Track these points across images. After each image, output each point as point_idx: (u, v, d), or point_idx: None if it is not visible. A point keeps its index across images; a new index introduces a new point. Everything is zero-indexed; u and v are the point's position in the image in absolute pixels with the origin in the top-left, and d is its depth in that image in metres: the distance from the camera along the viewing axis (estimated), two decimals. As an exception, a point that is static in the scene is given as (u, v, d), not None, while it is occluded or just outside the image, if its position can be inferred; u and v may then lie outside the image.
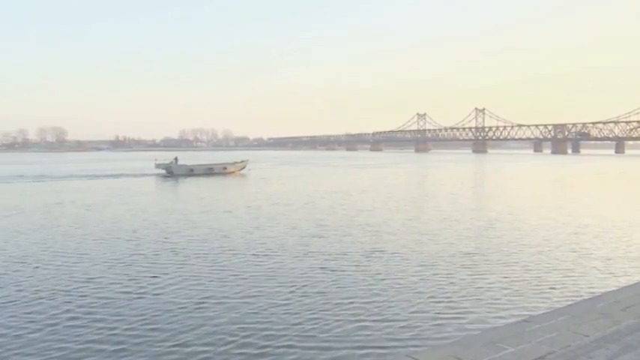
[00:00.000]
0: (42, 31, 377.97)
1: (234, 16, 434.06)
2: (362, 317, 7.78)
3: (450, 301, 8.60)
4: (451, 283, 9.75)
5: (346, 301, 8.59)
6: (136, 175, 46.22)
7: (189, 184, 36.72)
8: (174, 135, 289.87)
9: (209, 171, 47.94)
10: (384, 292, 9.15)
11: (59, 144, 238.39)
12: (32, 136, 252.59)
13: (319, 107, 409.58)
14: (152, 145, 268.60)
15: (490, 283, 9.72)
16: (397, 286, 9.54)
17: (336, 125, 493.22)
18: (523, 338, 4.80)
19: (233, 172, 48.98)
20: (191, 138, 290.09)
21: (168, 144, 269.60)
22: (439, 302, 8.56)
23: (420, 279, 10.02)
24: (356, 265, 11.11)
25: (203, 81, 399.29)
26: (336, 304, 8.43)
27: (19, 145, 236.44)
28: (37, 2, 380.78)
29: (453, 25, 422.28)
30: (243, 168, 50.83)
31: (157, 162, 47.29)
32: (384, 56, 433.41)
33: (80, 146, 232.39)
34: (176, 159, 48.59)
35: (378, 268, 10.90)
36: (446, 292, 9.13)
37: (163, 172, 46.33)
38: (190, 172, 46.95)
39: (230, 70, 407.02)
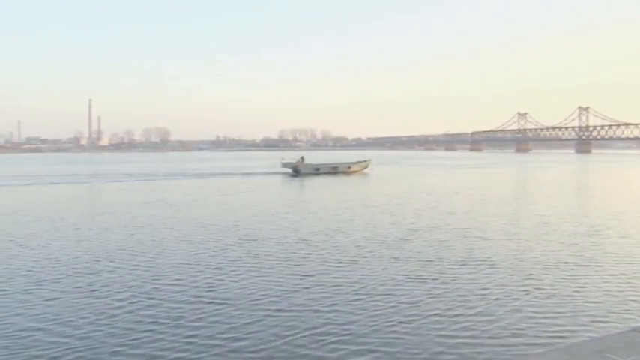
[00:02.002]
0: (147, 35, 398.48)
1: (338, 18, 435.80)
2: (458, 326, 7.63)
3: (550, 309, 8.36)
4: (550, 290, 9.46)
5: (438, 309, 8.41)
6: (264, 174, 48.84)
7: (314, 183, 38.63)
8: (274, 135, 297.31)
9: (334, 170, 49.70)
10: (479, 299, 8.96)
11: (163, 144, 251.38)
12: (138, 136, 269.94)
13: (418, 106, 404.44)
14: (252, 145, 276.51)
15: (593, 291, 9.35)
16: (493, 293, 9.31)
17: (434, 124, 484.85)
18: (633, 348, 4.66)
19: (356, 171, 50.54)
20: (290, 138, 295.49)
21: (267, 144, 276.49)
22: (538, 309, 8.35)
23: (517, 286, 9.77)
24: (447, 273, 10.78)
25: (301, 81, 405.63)
26: (428, 312, 8.27)
27: (125, 145, 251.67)
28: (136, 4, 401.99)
29: (546, 21, 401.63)
30: (366, 167, 52.30)
31: (284, 161, 50.19)
32: (482, 54, 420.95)
33: (182, 146, 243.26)
34: (302, 158, 50.79)
35: (471, 275, 10.61)
36: (545, 299, 8.89)
37: (289, 170, 48.80)
38: (316, 171, 48.96)
39: (331, 70, 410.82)
